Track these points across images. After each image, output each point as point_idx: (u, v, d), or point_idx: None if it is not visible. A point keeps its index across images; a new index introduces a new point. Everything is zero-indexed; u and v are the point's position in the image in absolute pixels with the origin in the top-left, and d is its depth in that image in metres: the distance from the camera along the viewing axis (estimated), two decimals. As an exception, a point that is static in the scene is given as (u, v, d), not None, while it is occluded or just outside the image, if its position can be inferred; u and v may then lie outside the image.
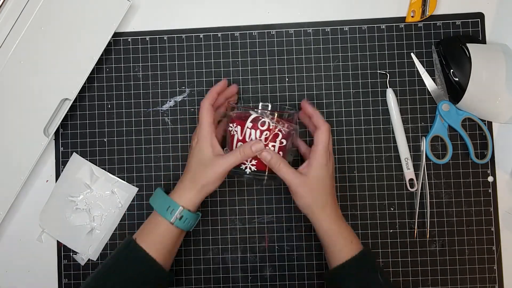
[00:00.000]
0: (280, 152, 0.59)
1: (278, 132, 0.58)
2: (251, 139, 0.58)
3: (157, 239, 0.57)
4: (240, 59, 0.67)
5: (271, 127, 0.58)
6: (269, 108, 0.59)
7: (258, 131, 0.58)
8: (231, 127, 0.59)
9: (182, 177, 0.59)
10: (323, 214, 0.57)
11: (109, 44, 0.66)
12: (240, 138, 0.58)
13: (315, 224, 0.58)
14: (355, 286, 0.55)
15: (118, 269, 0.56)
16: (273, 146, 0.58)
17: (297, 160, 0.66)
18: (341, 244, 0.56)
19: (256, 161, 0.58)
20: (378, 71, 0.67)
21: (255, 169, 0.58)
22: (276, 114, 0.58)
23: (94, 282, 0.57)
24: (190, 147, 0.60)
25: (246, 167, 0.58)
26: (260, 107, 0.59)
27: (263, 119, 0.58)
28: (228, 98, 0.64)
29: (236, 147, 0.58)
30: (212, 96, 0.60)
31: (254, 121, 0.58)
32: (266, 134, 0.58)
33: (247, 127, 0.58)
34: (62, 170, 0.67)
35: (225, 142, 0.61)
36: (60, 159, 0.67)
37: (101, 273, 0.57)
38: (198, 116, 0.60)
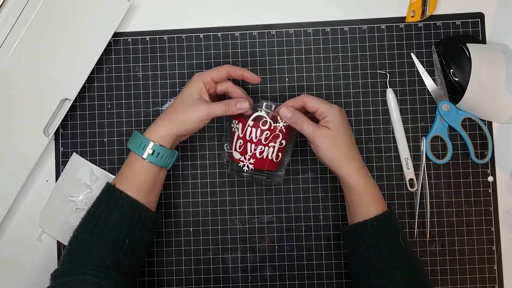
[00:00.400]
0: (279, 154, 0.59)
1: (279, 133, 0.58)
2: (251, 138, 0.58)
3: (135, 179, 0.57)
4: (240, 59, 0.67)
5: (272, 128, 0.58)
6: (273, 108, 0.59)
7: (259, 130, 0.58)
8: (233, 123, 0.60)
9: (161, 114, 0.59)
10: (350, 167, 0.56)
11: (109, 44, 0.66)
12: (241, 135, 0.59)
13: (342, 178, 0.57)
14: (377, 244, 0.54)
15: (102, 215, 0.56)
16: (273, 146, 0.58)
17: (295, 159, 0.66)
18: (368, 199, 0.56)
19: (254, 159, 0.58)
20: (378, 71, 0.67)
21: (253, 168, 0.58)
22: (275, 114, 0.58)
23: (80, 232, 0.56)
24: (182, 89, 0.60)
25: (244, 165, 0.58)
26: (264, 106, 0.58)
27: (265, 119, 0.58)
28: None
29: (236, 144, 0.59)
30: (237, 70, 0.59)
31: (256, 119, 0.58)
32: (267, 134, 0.58)
33: (248, 125, 0.58)
34: (62, 170, 0.67)
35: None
36: (60, 159, 0.67)
37: (86, 222, 0.56)
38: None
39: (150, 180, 0.57)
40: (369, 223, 0.55)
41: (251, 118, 0.58)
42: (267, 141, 0.58)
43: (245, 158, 0.58)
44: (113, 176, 0.66)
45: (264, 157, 0.58)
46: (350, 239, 0.57)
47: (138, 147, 0.57)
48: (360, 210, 0.56)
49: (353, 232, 0.56)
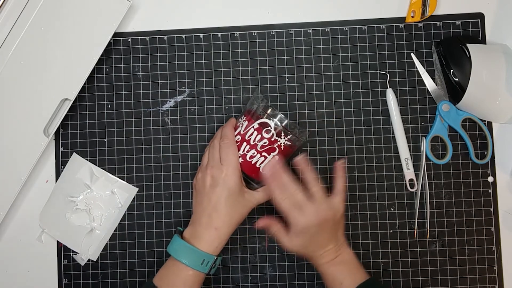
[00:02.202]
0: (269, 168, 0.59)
1: (277, 148, 0.58)
2: (249, 139, 0.58)
3: (183, 286, 0.55)
4: (240, 59, 0.67)
5: (272, 139, 0.58)
6: (285, 123, 0.58)
7: (259, 136, 0.58)
8: (241, 118, 0.60)
9: (202, 220, 0.56)
10: (310, 260, 0.59)
11: (109, 44, 0.66)
12: (242, 132, 0.59)
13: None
14: None
15: None
16: (265, 157, 0.58)
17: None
18: (330, 285, 0.58)
19: (242, 159, 0.58)
20: (378, 71, 0.67)
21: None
22: (281, 130, 0.58)
23: None
24: (202, 185, 0.57)
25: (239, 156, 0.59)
26: (278, 118, 0.58)
27: (269, 128, 0.58)
28: None
29: (235, 138, 0.59)
30: (233, 123, 0.61)
31: (262, 125, 0.58)
32: (265, 143, 0.58)
33: (253, 127, 0.58)
34: (62, 170, 0.67)
35: None
36: (60, 159, 0.67)
37: None
38: (205, 153, 0.60)
39: (196, 286, 0.56)
40: None
41: (258, 121, 0.58)
42: (262, 150, 0.58)
43: (240, 149, 0.59)
44: (113, 177, 0.67)
45: (252, 162, 0.58)
46: None
47: (201, 265, 0.55)
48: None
49: None
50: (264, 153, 0.58)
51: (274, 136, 0.58)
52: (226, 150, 0.58)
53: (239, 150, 0.59)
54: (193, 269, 0.55)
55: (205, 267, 0.55)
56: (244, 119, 0.60)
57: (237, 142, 0.59)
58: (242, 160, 0.58)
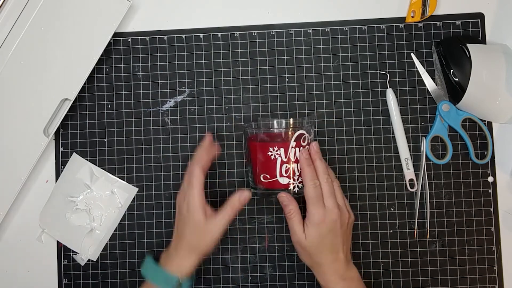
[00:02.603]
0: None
1: (307, 145, 0.58)
2: (296, 158, 0.57)
3: None
4: (240, 59, 0.67)
5: (309, 141, 0.58)
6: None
7: (301, 148, 0.57)
8: (270, 151, 0.57)
9: (175, 243, 0.58)
10: (317, 271, 0.57)
11: (109, 44, 0.66)
12: (285, 159, 0.57)
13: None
14: None
15: None
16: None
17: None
18: None
19: (301, 177, 0.58)
20: (378, 71, 0.67)
21: (301, 186, 0.58)
22: (306, 129, 0.58)
23: None
24: (178, 210, 0.59)
25: (294, 187, 0.58)
26: (305, 123, 0.58)
27: (304, 135, 0.58)
28: (211, 158, 0.61)
29: (281, 170, 0.57)
30: (201, 159, 0.58)
31: (298, 139, 0.57)
32: (307, 149, 0.58)
33: (291, 147, 0.57)
34: (62, 170, 0.67)
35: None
36: (60, 159, 0.67)
37: None
38: (185, 177, 0.59)
39: None
40: None
41: (293, 138, 0.57)
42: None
43: (294, 180, 0.58)
44: (113, 177, 0.67)
45: None
46: None
47: (165, 284, 0.56)
48: None
49: None
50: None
51: (308, 137, 0.58)
52: (190, 183, 0.57)
53: (294, 175, 0.58)
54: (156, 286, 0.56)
55: (169, 287, 0.56)
56: (276, 149, 0.57)
57: (287, 171, 0.57)
58: (292, 181, 0.58)
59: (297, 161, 0.58)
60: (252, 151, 0.59)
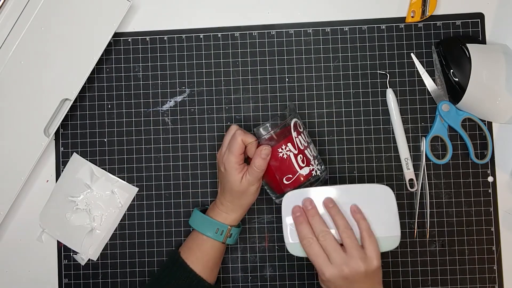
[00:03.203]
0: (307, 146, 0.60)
1: (304, 130, 0.60)
2: (304, 145, 0.59)
3: (204, 257, 0.59)
4: (240, 59, 0.67)
5: (300, 126, 0.60)
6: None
7: (302, 134, 0.59)
8: (281, 150, 0.58)
9: (220, 198, 0.60)
10: None
11: (109, 44, 0.66)
12: (295, 151, 0.58)
13: None
14: None
15: (166, 284, 0.59)
16: (306, 141, 0.60)
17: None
18: None
19: (317, 160, 0.60)
20: (378, 71, 0.67)
21: (322, 167, 0.60)
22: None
23: None
24: (218, 167, 0.60)
25: (316, 171, 0.59)
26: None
27: (297, 121, 0.59)
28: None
29: (298, 162, 0.58)
30: (247, 137, 0.58)
31: (295, 127, 0.59)
32: (307, 132, 0.60)
33: (295, 137, 0.58)
34: (62, 170, 0.67)
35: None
36: (60, 159, 0.67)
37: (150, 282, 0.62)
38: (225, 139, 0.59)
39: (218, 257, 0.61)
40: None
41: (293, 129, 0.58)
42: (308, 143, 0.60)
43: (313, 164, 0.59)
44: (113, 177, 0.67)
45: (315, 154, 0.60)
46: None
47: (216, 233, 0.59)
48: None
49: None
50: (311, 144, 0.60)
51: (298, 124, 0.59)
52: (231, 143, 0.58)
53: (310, 161, 0.59)
54: (210, 237, 0.59)
55: (220, 236, 0.59)
56: (285, 146, 0.58)
57: (303, 161, 0.58)
58: (317, 160, 0.60)
59: (306, 147, 0.59)
60: None
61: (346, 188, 0.57)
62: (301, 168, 0.58)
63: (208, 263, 0.59)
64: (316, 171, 0.59)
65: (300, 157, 0.58)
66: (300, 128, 0.59)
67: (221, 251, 0.61)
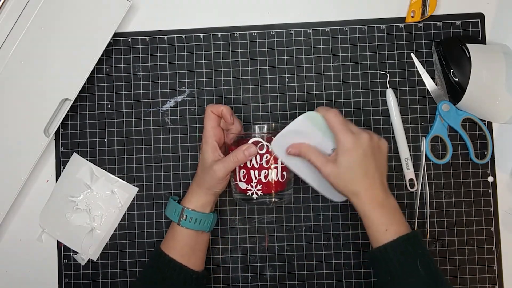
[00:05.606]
0: (284, 173, 0.59)
1: (266, 153, 0.58)
2: (253, 165, 0.58)
3: (175, 244, 0.59)
4: (240, 59, 0.67)
5: (270, 150, 0.57)
6: (265, 129, 0.58)
7: (258, 156, 0.57)
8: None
9: (192, 182, 0.61)
10: (354, 200, 0.55)
11: (109, 44, 0.66)
12: (242, 164, 0.58)
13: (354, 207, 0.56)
14: (394, 271, 0.53)
15: (147, 274, 0.61)
16: (276, 167, 0.58)
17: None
18: (373, 230, 0.54)
19: (261, 185, 0.58)
20: (378, 71, 0.67)
21: (262, 194, 0.58)
22: (270, 135, 0.57)
23: (133, 285, 0.64)
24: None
25: (252, 193, 0.58)
26: (257, 130, 0.58)
27: (261, 143, 0.57)
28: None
29: (240, 174, 0.58)
30: (217, 107, 0.59)
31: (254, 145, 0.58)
32: (267, 157, 0.58)
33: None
34: (62, 170, 0.67)
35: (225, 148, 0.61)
36: (60, 159, 0.67)
37: (138, 284, 0.62)
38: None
39: (190, 244, 0.60)
40: (376, 253, 0.54)
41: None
42: (269, 164, 0.58)
43: (252, 186, 0.58)
44: (113, 177, 0.67)
45: (270, 180, 0.58)
46: (370, 265, 0.57)
47: (174, 214, 0.59)
48: (371, 238, 0.55)
49: (370, 259, 0.56)
50: (273, 166, 0.58)
51: (269, 146, 0.57)
52: (204, 121, 0.59)
53: (251, 181, 0.58)
54: (172, 220, 0.59)
55: (176, 216, 0.59)
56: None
57: (244, 176, 0.58)
58: (261, 185, 0.58)
59: (253, 168, 0.58)
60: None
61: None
62: (240, 180, 0.59)
63: (183, 250, 0.59)
64: (252, 193, 0.58)
65: (243, 172, 0.58)
66: (262, 151, 0.57)
67: (193, 238, 0.59)
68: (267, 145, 0.57)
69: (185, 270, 0.59)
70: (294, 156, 0.57)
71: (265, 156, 0.58)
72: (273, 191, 0.58)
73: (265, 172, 0.58)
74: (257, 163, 0.58)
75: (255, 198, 0.58)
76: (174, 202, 0.60)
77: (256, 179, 0.58)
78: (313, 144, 0.57)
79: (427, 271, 0.52)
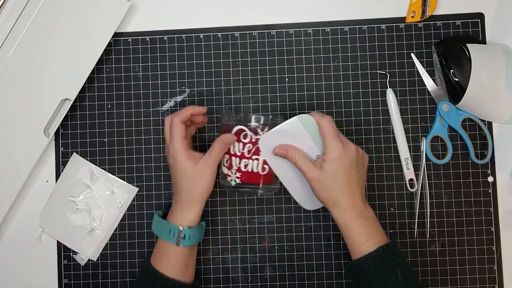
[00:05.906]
0: (265, 166, 0.59)
1: (249, 142, 0.58)
2: (235, 152, 0.58)
3: (169, 261, 0.58)
4: (240, 59, 0.67)
5: (253, 140, 0.58)
6: (262, 121, 0.59)
7: (241, 144, 0.58)
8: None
9: (174, 197, 0.59)
10: (335, 210, 0.56)
11: (109, 44, 0.66)
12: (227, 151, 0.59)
13: (332, 217, 0.57)
14: (374, 281, 0.53)
15: None
16: (257, 159, 0.59)
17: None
18: (353, 240, 0.55)
19: (240, 173, 0.59)
20: (378, 71, 0.67)
21: (240, 182, 0.59)
22: (255, 126, 0.58)
23: None
24: (168, 164, 0.59)
25: (231, 179, 0.59)
26: (253, 119, 0.59)
27: (245, 132, 0.58)
28: (197, 119, 0.62)
29: (224, 159, 0.60)
30: (185, 114, 0.58)
31: (237, 133, 0.58)
32: (249, 147, 0.58)
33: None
34: (62, 170, 0.67)
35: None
36: (60, 159, 0.67)
37: None
38: (165, 132, 0.59)
39: (184, 260, 0.59)
40: (356, 264, 0.54)
41: (233, 132, 0.59)
42: (250, 154, 0.58)
43: (231, 173, 0.59)
44: (113, 177, 0.67)
45: (249, 170, 0.59)
46: (349, 276, 0.57)
47: (169, 235, 0.57)
48: (350, 248, 0.56)
49: (351, 270, 0.56)
50: (254, 157, 0.59)
51: (253, 137, 0.58)
52: (172, 134, 0.58)
53: (231, 168, 0.59)
54: (165, 240, 0.58)
55: (172, 237, 0.57)
56: None
57: (227, 161, 0.59)
58: (240, 174, 0.58)
59: (235, 155, 0.59)
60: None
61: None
62: (223, 165, 0.60)
63: (177, 266, 0.58)
64: (232, 180, 0.59)
65: (226, 157, 0.59)
66: (245, 140, 0.58)
67: (186, 254, 0.58)
68: (250, 135, 0.58)
69: (180, 285, 0.58)
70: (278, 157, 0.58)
71: (247, 146, 0.58)
72: (252, 182, 0.59)
73: (245, 162, 0.58)
74: (239, 150, 0.58)
75: (233, 185, 0.59)
76: (165, 221, 0.58)
77: (236, 166, 0.59)
78: (300, 147, 0.57)
79: (407, 279, 0.53)
